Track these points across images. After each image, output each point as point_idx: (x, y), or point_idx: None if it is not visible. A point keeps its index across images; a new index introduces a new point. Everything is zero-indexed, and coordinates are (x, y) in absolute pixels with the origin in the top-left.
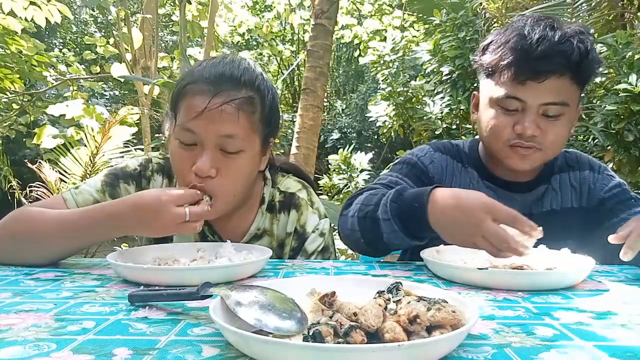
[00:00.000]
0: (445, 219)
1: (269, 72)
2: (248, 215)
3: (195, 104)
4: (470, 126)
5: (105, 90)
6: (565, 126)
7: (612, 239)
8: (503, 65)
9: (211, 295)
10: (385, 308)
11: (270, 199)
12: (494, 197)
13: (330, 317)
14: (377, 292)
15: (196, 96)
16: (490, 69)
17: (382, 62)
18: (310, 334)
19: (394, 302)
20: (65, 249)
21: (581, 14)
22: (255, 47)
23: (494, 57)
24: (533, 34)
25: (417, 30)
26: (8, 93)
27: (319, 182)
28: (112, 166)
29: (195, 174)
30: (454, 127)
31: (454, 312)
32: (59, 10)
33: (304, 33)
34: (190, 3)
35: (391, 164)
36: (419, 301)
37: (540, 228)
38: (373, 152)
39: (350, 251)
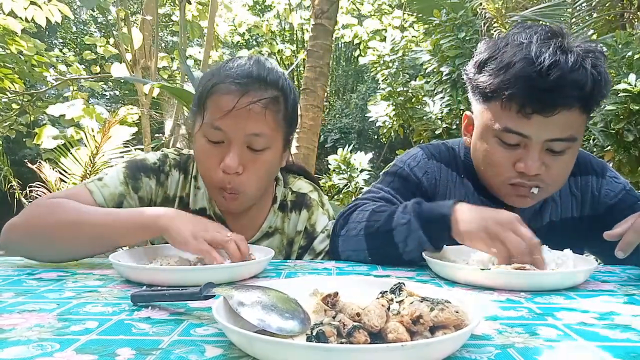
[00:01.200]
0: (472, 215)
1: None
2: (260, 214)
3: (224, 103)
4: None
5: (105, 90)
6: (569, 161)
7: (607, 235)
8: (506, 95)
9: (214, 296)
10: (388, 308)
11: (282, 198)
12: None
13: (333, 318)
14: (380, 293)
15: (224, 95)
16: (488, 94)
17: (381, 62)
18: (314, 334)
19: (396, 302)
20: (98, 248)
21: (581, 14)
22: (255, 47)
23: (493, 80)
24: (542, 59)
25: (417, 31)
26: (8, 93)
27: (319, 182)
28: (112, 165)
29: (223, 170)
30: (454, 127)
31: (457, 312)
32: (60, 10)
33: (303, 33)
34: (190, 3)
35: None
36: (422, 301)
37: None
38: (373, 152)
39: None
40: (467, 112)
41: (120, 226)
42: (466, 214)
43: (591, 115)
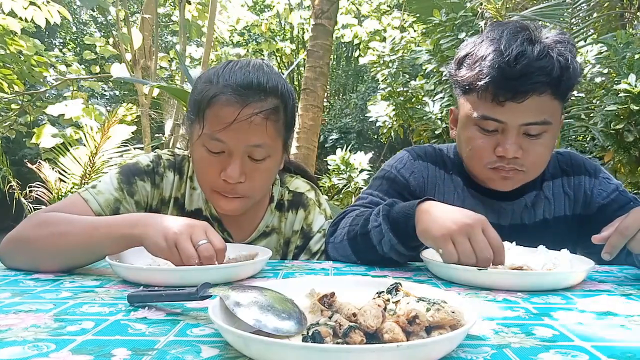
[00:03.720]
0: (435, 212)
1: None
2: (257, 213)
3: (224, 114)
4: None
5: (105, 91)
6: (547, 144)
7: (595, 239)
8: (480, 85)
9: (210, 296)
10: (385, 308)
11: (279, 197)
12: (481, 207)
13: (330, 318)
14: (377, 293)
15: (225, 107)
16: (466, 86)
17: (381, 62)
18: (310, 334)
19: (393, 302)
20: (81, 260)
21: (581, 14)
22: (254, 46)
23: (470, 73)
24: (510, 50)
25: (416, 31)
26: (8, 93)
27: (318, 182)
28: (111, 165)
29: (224, 180)
30: None
31: (453, 312)
32: (59, 12)
33: (303, 33)
34: (190, 3)
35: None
36: (418, 302)
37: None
38: (373, 152)
39: None
40: (453, 107)
41: (101, 238)
42: (428, 214)
43: (591, 115)
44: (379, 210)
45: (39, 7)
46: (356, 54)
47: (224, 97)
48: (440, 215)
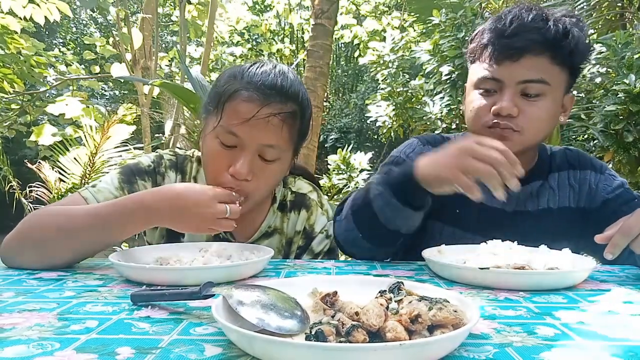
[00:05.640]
0: (430, 156)
1: None
2: (260, 214)
3: (244, 110)
4: None
5: (105, 91)
6: (546, 107)
7: (598, 238)
8: (480, 47)
9: (213, 295)
10: (387, 307)
11: (281, 198)
12: (487, 193)
13: (332, 317)
14: (379, 292)
15: (245, 102)
16: (472, 56)
17: (381, 62)
18: (313, 333)
19: (395, 301)
20: (94, 243)
21: (582, 14)
22: (254, 47)
23: (474, 44)
24: (508, 16)
25: (415, 31)
26: (8, 93)
27: (318, 182)
28: (111, 165)
29: (231, 175)
30: (453, 127)
31: (455, 311)
32: (58, 9)
33: (303, 33)
34: (190, 3)
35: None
36: (420, 301)
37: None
38: (373, 151)
39: None
40: (467, 84)
41: (109, 233)
42: (426, 166)
43: (591, 115)
44: (380, 181)
45: (37, 5)
46: (356, 54)
47: (246, 93)
48: (435, 157)
